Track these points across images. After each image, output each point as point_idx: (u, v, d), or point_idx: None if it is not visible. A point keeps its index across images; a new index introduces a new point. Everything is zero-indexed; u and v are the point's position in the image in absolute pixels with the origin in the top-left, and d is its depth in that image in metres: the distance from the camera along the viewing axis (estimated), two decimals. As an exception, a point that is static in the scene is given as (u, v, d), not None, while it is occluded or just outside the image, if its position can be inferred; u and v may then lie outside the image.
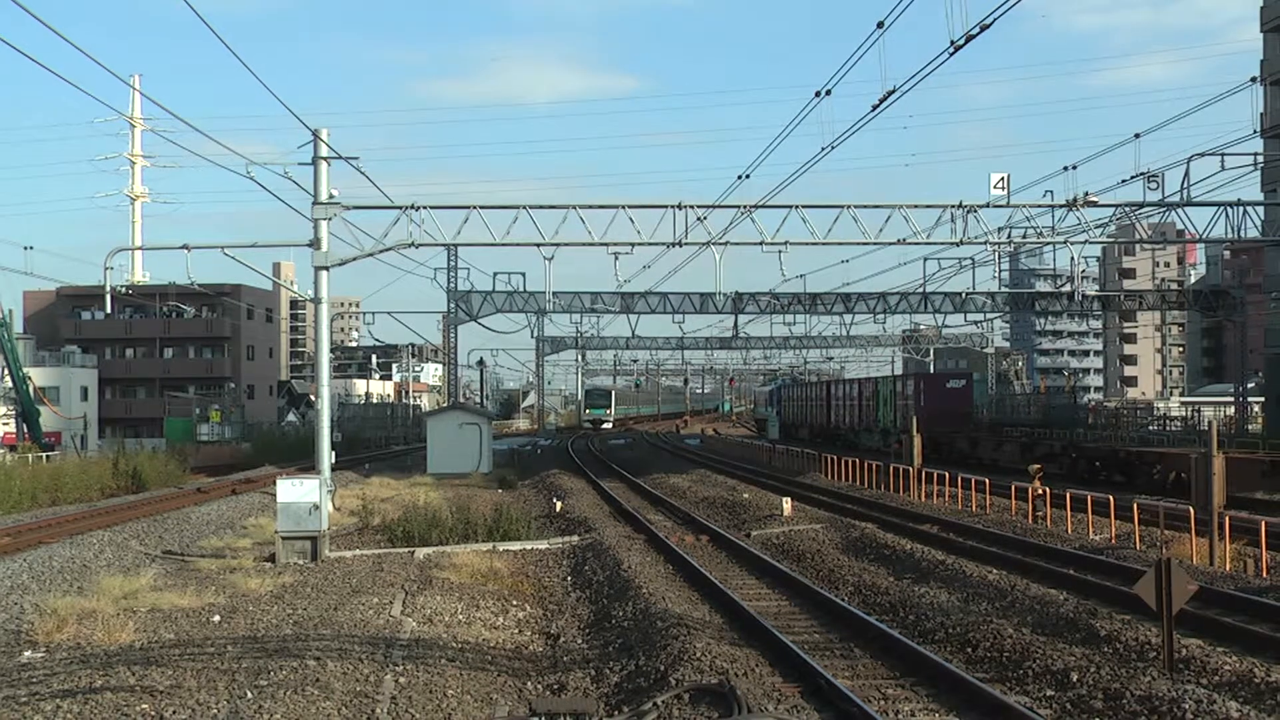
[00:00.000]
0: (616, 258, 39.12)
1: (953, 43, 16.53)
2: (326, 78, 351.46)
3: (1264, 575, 19.81)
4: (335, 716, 11.42)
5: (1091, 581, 18.34)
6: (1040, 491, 28.35)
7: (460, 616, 17.23)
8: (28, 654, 14.75)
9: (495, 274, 61.62)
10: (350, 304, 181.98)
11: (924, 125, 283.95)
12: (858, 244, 38.38)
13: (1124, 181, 36.48)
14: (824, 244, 38.16)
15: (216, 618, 16.84)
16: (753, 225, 37.08)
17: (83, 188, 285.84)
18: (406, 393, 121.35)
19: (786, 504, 31.46)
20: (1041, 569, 19.97)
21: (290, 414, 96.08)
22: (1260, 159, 45.81)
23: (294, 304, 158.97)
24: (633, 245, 37.96)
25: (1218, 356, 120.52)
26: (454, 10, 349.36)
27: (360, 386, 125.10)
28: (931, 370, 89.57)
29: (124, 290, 53.32)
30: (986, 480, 33.98)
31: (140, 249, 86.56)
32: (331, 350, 42.70)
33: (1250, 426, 53.39)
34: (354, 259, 36.28)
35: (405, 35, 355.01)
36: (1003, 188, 36.01)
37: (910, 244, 38.64)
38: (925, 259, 54.42)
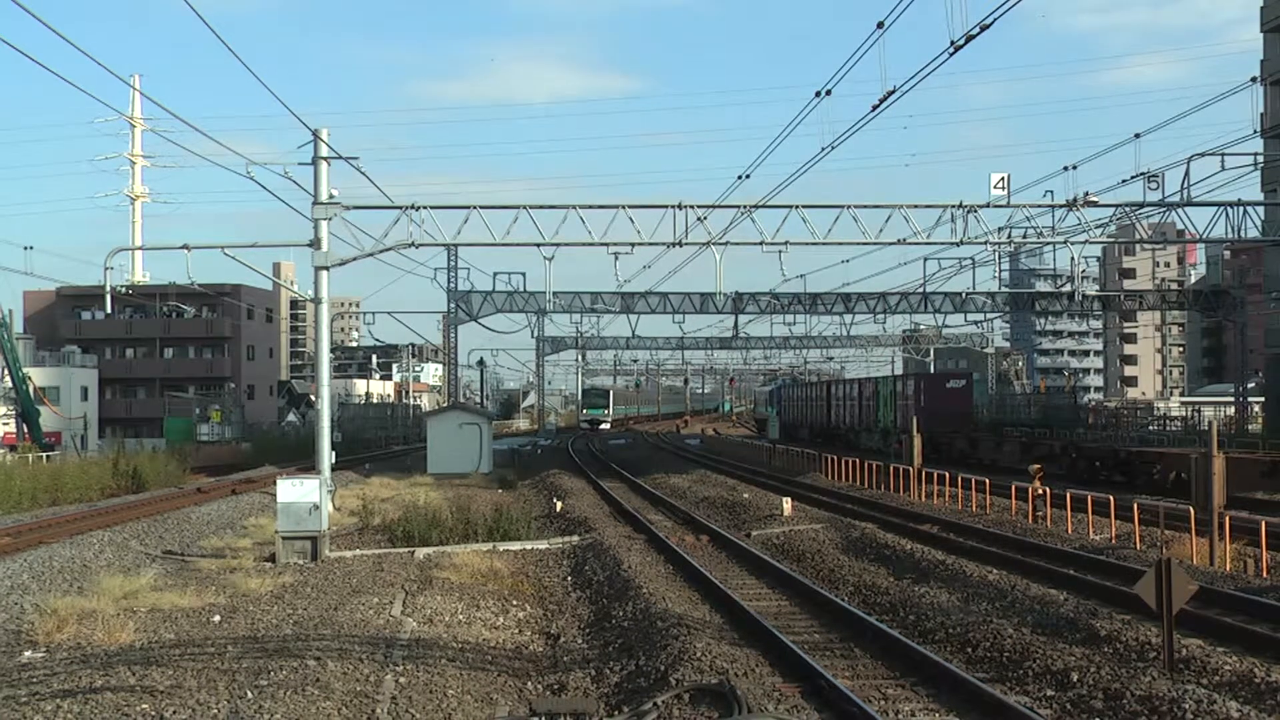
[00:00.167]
0: (616, 258, 39.21)
1: (953, 43, 16.56)
2: (326, 78, 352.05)
3: (1264, 575, 19.81)
4: (335, 716, 11.41)
5: (1091, 581, 18.34)
6: (1040, 491, 28.33)
7: (460, 616, 17.22)
8: (28, 654, 14.75)
9: (495, 274, 61.67)
10: (350, 304, 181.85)
11: (924, 125, 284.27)
12: (858, 244, 38.48)
13: (1124, 181, 36.61)
14: (824, 244, 38.22)
15: (217, 618, 16.84)
16: (753, 225, 37.17)
17: (83, 188, 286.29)
18: (406, 393, 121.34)
19: (787, 504, 31.47)
20: (1041, 569, 19.97)
21: (290, 414, 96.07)
22: (1260, 159, 45.86)
23: (294, 304, 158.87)
24: (633, 245, 37.99)
25: (1218, 356, 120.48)
26: (454, 10, 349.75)
27: (360, 386, 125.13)
28: (931, 370, 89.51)
29: (124, 290, 53.40)
30: (986, 480, 33.95)
31: (140, 249, 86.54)
32: (331, 350, 42.71)
33: (1250, 426, 53.48)
34: (354, 259, 36.31)
35: (405, 35, 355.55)
36: (1003, 188, 36.03)
37: (910, 244, 38.75)
38: (925, 259, 54.56)
